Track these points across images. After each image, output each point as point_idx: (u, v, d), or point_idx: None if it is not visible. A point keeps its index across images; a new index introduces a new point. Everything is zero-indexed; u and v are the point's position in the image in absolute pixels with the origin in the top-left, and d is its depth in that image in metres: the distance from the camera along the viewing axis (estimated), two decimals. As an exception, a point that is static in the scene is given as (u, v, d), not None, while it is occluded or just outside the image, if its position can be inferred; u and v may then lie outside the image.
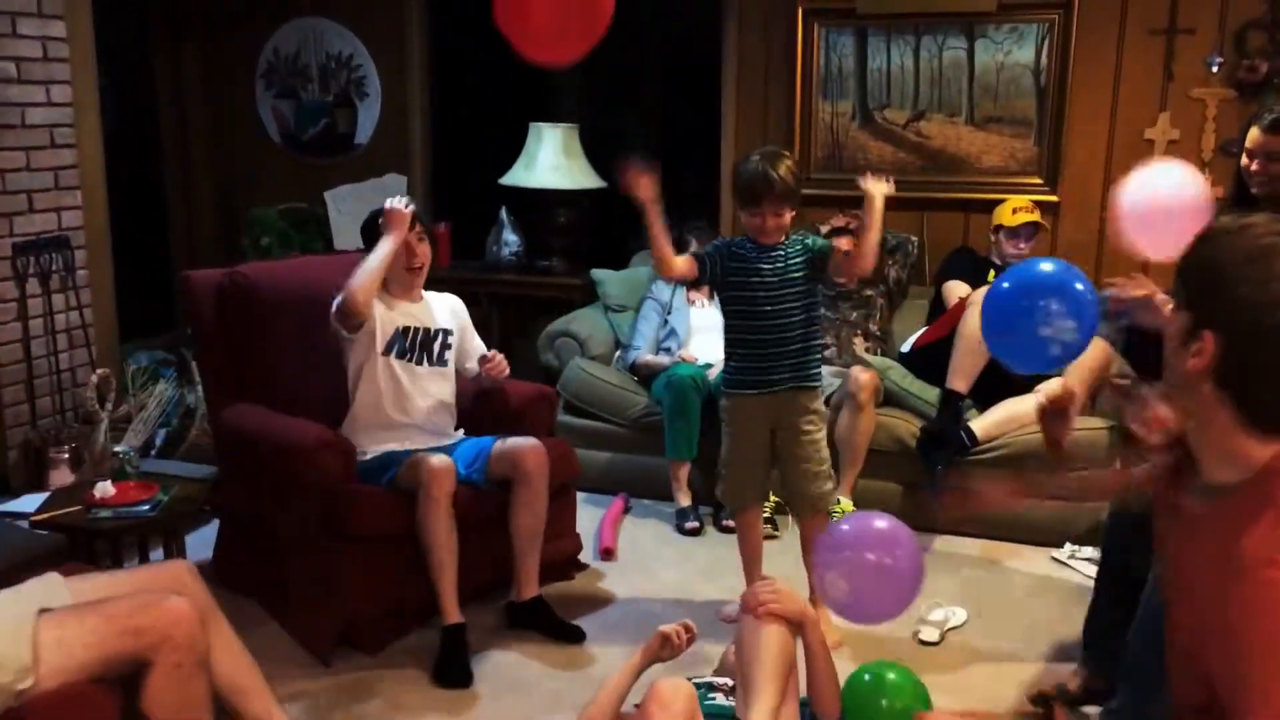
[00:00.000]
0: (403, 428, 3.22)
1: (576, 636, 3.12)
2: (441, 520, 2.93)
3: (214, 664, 2.15)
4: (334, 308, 3.06)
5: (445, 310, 3.38)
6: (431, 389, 3.28)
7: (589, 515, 3.86)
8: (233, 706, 2.23)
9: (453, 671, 2.89)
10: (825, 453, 3.13)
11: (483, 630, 3.12)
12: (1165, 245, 2.23)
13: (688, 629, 2.39)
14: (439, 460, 2.97)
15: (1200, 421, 1.42)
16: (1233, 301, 1.33)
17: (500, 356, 3.33)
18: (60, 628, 1.91)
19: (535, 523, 3.15)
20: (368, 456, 3.16)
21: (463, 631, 2.97)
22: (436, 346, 3.30)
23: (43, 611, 1.96)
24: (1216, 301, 1.35)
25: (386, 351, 3.20)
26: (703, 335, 4.25)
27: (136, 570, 2.32)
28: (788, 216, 3.01)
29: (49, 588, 2.07)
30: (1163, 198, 2.44)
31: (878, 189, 2.96)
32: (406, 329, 3.23)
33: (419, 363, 3.26)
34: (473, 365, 3.41)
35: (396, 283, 3.24)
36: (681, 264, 3.07)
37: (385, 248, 3.09)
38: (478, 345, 3.47)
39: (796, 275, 3.01)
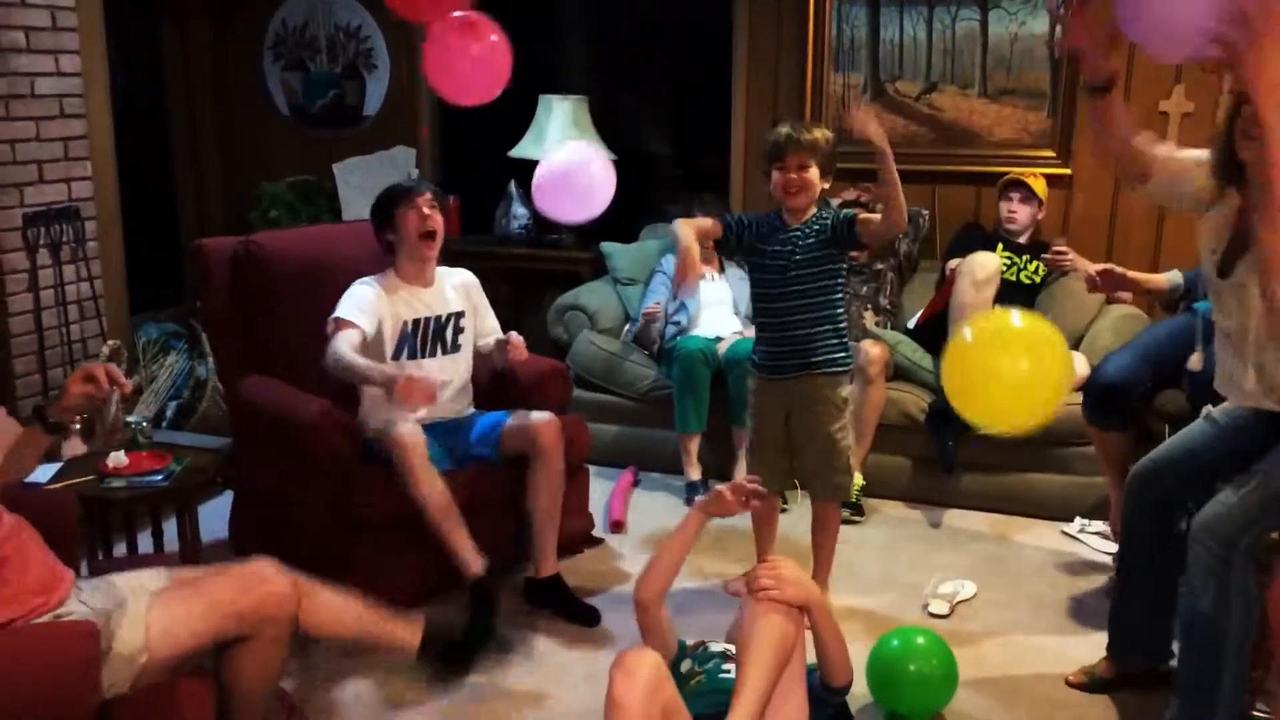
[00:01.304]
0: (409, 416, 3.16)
1: (592, 619, 3.10)
2: (424, 484, 2.86)
3: (330, 627, 2.30)
4: (325, 358, 2.95)
5: (458, 289, 3.29)
6: (445, 376, 3.19)
7: (598, 488, 3.86)
8: (372, 643, 2.43)
9: (482, 629, 2.86)
10: (844, 442, 3.03)
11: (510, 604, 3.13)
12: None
13: (739, 490, 2.41)
14: (405, 430, 2.90)
15: None
16: None
17: (519, 340, 3.19)
18: (168, 611, 2.00)
19: (552, 499, 3.13)
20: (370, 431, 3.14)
21: (487, 583, 2.92)
22: (449, 333, 3.22)
23: (154, 594, 2.06)
24: None
25: (396, 355, 3.13)
26: (712, 309, 4.24)
27: (229, 567, 2.37)
28: (814, 174, 2.91)
29: (157, 579, 2.17)
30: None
31: (869, 124, 2.70)
32: (417, 322, 3.15)
33: (431, 354, 3.18)
34: (488, 343, 3.33)
35: (409, 260, 3.15)
36: (706, 221, 2.99)
37: (380, 387, 2.90)
38: (493, 324, 3.37)
39: (803, 258, 2.92)
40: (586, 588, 3.27)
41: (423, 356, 3.17)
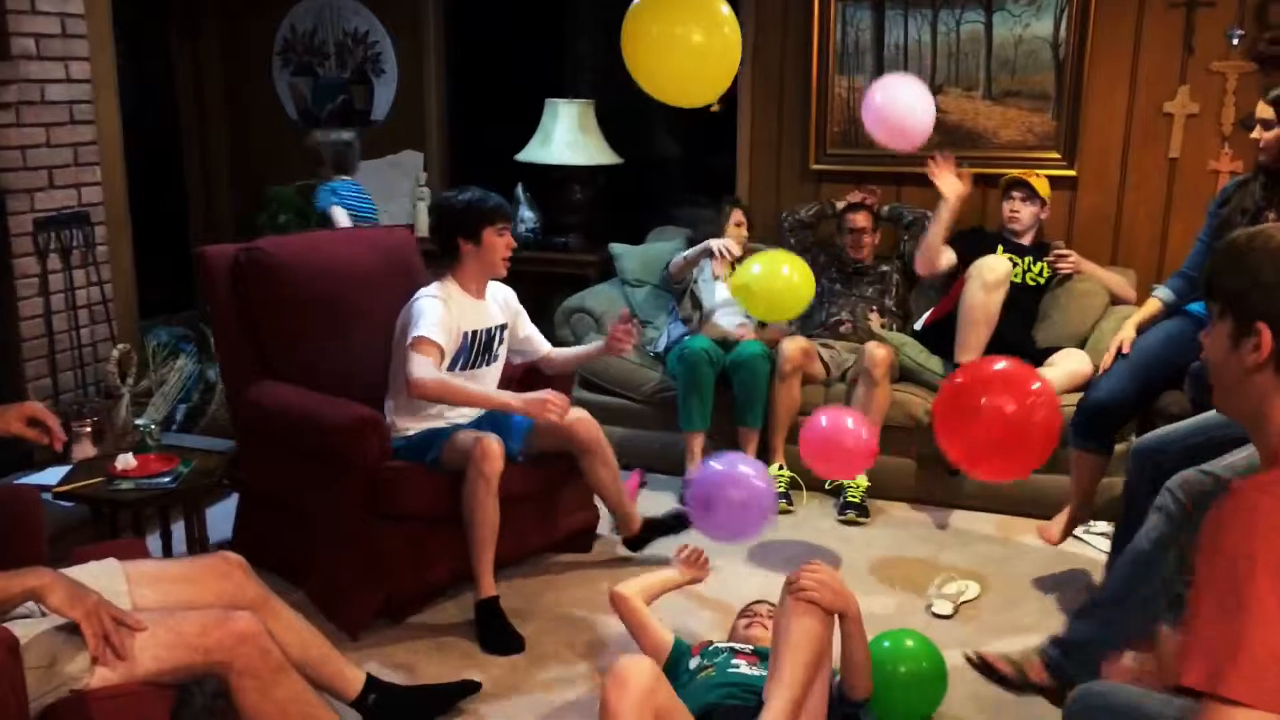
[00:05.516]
0: (445, 418, 3.24)
1: (682, 522, 3.43)
2: (489, 499, 2.95)
3: (281, 646, 2.16)
4: (411, 380, 2.96)
5: (500, 303, 3.37)
6: (486, 384, 3.28)
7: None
8: (310, 679, 2.24)
9: (503, 639, 2.94)
10: None
11: (523, 596, 3.19)
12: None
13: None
14: (491, 439, 2.96)
15: (1260, 412, 1.52)
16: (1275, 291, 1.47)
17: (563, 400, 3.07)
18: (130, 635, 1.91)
19: (613, 473, 3.33)
20: (410, 433, 3.18)
21: (497, 603, 3.01)
22: (495, 345, 3.32)
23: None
24: (1260, 297, 1.48)
25: (452, 365, 3.16)
26: (726, 309, 4.24)
27: (192, 560, 2.33)
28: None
29: (109, 576, 2.08)
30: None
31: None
32: (475, 333, 3.22)
33: (480, 365, 3.27)
34: (525, 352, 3.45)
35: (477, 273, 3.23)
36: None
37: (504, 400, 3.03)
38: (534, 335, 3.48)
39: None
40: (595, 584, 3.28)
41: (474, 367, 3.26)
